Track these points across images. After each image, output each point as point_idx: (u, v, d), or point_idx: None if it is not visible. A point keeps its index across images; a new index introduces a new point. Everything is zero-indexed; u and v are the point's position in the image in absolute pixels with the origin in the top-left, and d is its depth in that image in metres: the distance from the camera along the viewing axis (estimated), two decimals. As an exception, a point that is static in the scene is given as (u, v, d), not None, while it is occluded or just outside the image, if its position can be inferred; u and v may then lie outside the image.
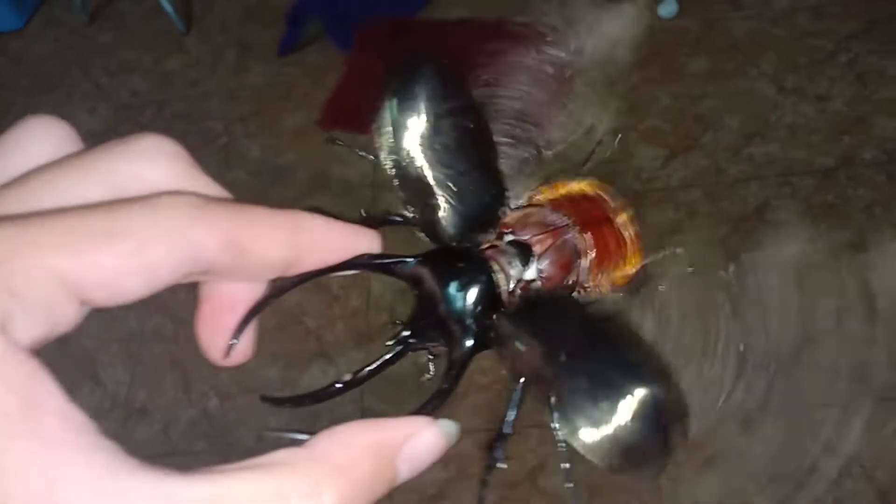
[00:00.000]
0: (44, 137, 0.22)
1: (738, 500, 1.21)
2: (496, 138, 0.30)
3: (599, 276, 0.31)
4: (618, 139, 0.39)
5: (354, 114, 1.85)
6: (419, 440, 0.21)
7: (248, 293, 0.24)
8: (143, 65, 2.08)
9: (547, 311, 0.27)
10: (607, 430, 0.24)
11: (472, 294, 0.26)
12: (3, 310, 0.16)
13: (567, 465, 0.29)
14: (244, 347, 0.24)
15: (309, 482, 0.18)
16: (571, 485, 0.30)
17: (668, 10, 1.79)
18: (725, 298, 0.34)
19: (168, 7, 2.03)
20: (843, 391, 1.33)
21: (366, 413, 1.40)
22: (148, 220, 0.19)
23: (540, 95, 0.33)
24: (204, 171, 0.23)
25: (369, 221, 0.27)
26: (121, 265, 0.18)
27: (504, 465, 0.30)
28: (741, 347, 0.30)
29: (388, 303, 1.51)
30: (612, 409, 0.24)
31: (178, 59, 2.07)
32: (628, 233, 0.33)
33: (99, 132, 1.95)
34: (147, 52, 2.11)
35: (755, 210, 1.48)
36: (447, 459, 1.08)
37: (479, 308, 0.26)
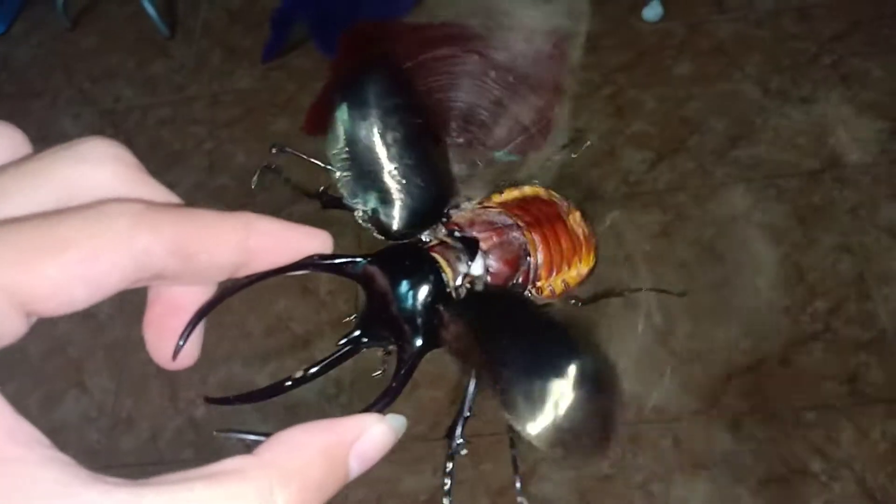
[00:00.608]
0: None
1: (729, 503, 1.21)
2: (448, 141, 0.31)
3: (553, 274, 0.31)
4: (586, 145, 0.39)
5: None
6: (369, 437, 0.22)
7: (195, 296, 0.24)
8: (126, 69, 2.06)
9: (488, 303, 0.28)
10: (548, 411, 0.24)
11: (422, 292, 0.26)
12: None
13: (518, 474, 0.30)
14: (190, 351, 0.24)
15: (260, 489, 0.18)
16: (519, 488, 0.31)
17: (652, 13, 1.79)
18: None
19: (151, 11, 2.01)
20: (831, 394, 1.34)
21: (354, 419, 1.39)
22: (93, 230, 0.19)
23: (486, 99, 0.33)
24: (152, 174, 0.23)
25: (326, 201, 0.28)
26: (68, 276, 0.18)
27: (465, 451, 0.30)
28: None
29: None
30: (550, 390, 0.25)
31: (162, 63, 2.05)
32: (581, 231, 0.34)
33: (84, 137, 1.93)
34: (131, 56, 2.09)
35: (742, 212, 1.48)
36: (436, 466, 1.08)
37: (429, 306, 0.26)
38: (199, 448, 1.42)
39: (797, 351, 1.31)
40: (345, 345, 0.27)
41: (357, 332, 0.27)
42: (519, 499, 0.31)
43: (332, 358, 0.27)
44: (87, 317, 1.59)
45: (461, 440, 0.31)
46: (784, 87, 1.64)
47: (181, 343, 0.24)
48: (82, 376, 1.53)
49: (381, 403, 0.25)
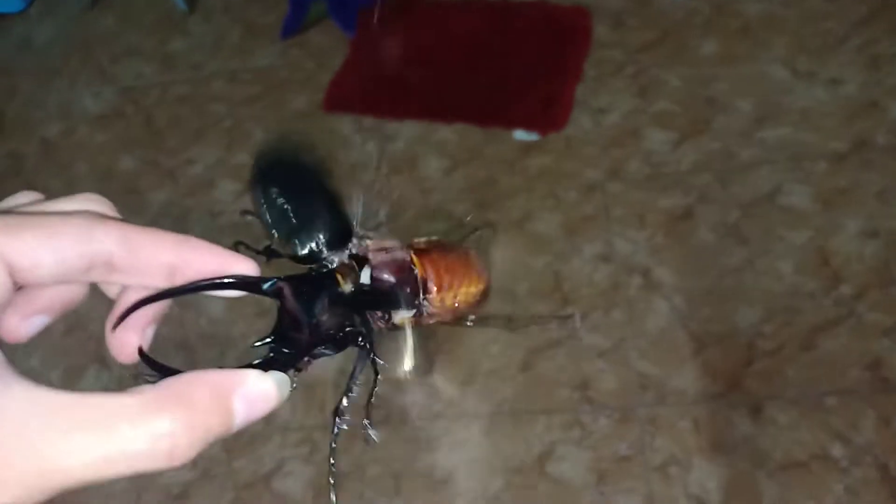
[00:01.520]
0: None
1: (747, 487, 1.20)
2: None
3: (445, 289, 0.39)
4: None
5: (358, 96, 1.84)
6: (253, 384, 0.26)
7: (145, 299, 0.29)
8: (146, 47, 2.06)
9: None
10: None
11: (322, 299, 0.33)
12: None
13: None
14: (132, 344, 0.29)
15: (148, 404, 0.23)
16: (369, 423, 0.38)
17: (678, -9, 1.76)
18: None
19: (171, -12, 2.01)
20: (854, 379, 1.33)
21: (372, 396, 1.39)
22: (61, 219, 0.26)
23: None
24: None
25: (248, 252, 0.33)
26: (39, 243, 0.25)
27: (345, 427, 0.37)
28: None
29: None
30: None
31: (181, 41, 2.04)
32: (475, 265, 0.42)
33: (104, 115, 1.94)
34: (150, 34, 2.09)
35: (766, 195, 1.46)
36: (453, 444, 1.08)
37: (329, 308, 0.33)
38: (218, 424, 1.43)
39: (820, 336, 1.30)
40: (259, 347, 0.31)
41: (269, 339, 0.31)
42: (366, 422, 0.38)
43: (249, 363, 0.30)
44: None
45: (343, 424, 0.37)
46: (811, 68, 1.61)
47: (114, 326, 0.29)
48: (103, 352, 1.54)
49: (267, 364, 0.29)
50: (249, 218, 0.34)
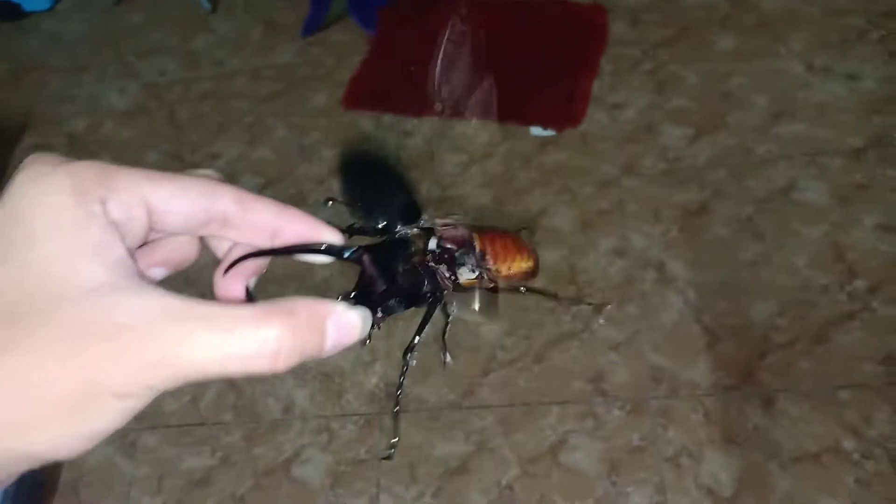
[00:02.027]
0: None
1: (759, 479, 1.21)
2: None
3: (500, 262, 0.46)
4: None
5: (378, 94, 1.86)
6: (342, 312, 0.30)
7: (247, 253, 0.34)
8: (170, 44, 2.10)
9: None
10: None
11: (396, 263, 0.37)
12: (104, 194, 0.27)
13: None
14: (237, 292, 0.34)
15: (259, 313, 0.26)
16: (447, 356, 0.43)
17: (696, -13, 1.77)
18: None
19: (195, -14, 2.04)
20: (867, 373, 1.34)
21: (388, 386, 1.42)
22: (191, 177, 0.30)
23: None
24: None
25: (351, 232, 0.39)
26: (172, 194, 0.29)
27: (414, 363, 0.42)
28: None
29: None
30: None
31: (204, 38, 2.08)
32: (525, 246, 0.49)
33: (129, 111, 1.98)
34: (174, 31, 2.13)
35: (782, 190, 1.46)
36: (469, 433, 1.11)
37: (401, 269, 0.38)
38: (239, 411, 1.46)
39: (834, 329, 1.30)
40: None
41: (351, 295, 0.37)
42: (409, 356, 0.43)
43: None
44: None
45: (412, 361, 0.42)
46: (829, 64, 1.61)
47: (225, 271, 0.34)
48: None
49: (356, 300, 0.35)
50: (330, 203, 0.38)
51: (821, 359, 1.28)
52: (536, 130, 1.66)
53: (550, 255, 1.49)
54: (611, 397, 1.32)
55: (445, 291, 0.41)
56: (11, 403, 0.24)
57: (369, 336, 0.35)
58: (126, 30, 2.18)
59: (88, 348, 0.24)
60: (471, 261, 0.42)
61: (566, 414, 1.33)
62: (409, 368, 0.42)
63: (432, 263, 0.41)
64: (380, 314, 0.35)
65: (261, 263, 0.34)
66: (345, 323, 0.30)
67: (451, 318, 0.43)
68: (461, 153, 1.67)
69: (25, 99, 2.10)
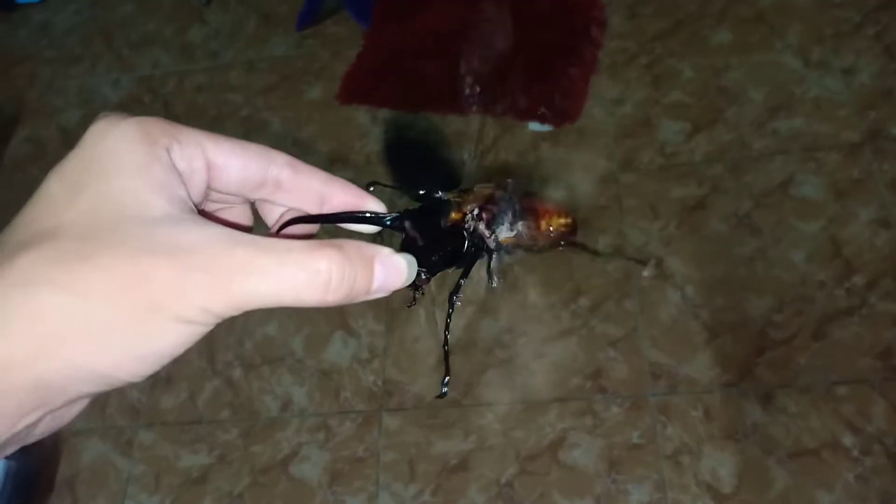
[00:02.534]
0: None
1: (758, 475, 1.22)
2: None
3: (540, 219, 0.48)
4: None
5: (373, 88, 1.85)
6: (390, 256, 0.31)
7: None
8: (164, 36, 2.08)
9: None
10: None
11: (436, 225, 0.40)
12: (168, 142, 0.29)
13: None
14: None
15: (312, 246, 0.28)
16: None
17: (693, -20, 1.76)
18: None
19: (188, -22, 2.02)
20: (865, 369, 1.34)
21: (386, 383, 1.41)
22: (247, 141, 0.32)
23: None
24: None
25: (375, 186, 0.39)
26: (231, 151, 0.31)
27: (459, 304, 0.43)
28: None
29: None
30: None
31: (198, 30, 2.06)
32: (557, 204, 0.51)
33: (123, 103, 1.96)
34: (168, 23, 2.11)
35: (779, 185, 1.46)
36: (468, 430, 1.11)
37: (442, 230, 0.40)
38: (236, 408, 1.46)
39: (831, 325, 1.31)
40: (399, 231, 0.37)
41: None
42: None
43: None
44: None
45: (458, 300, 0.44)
46: (825, 58, 1.61)
47: (276, 231, 0.35)
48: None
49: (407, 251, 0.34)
50: (372, 188, 0.38)
51: (819, 354, 1.29)
52: (534, 125, 1.66)
53: (547, 252, 1.49)
54: (610, 394, 1.33)
55: (486, 249, 0.43)
56: (81, 314, 0.25)
57: (416, 297, 0.37)
58: (118, 21, 2.16)
59: (153, 267, 0.26)
60: (509, 219, 0.44)
61: (565, 411, 1.33)
62: (454, 310, 0.43)
63: (471, 223, 0.42)
64: (424, 276, 0.36)
65: (309, 228, 0.35)
66: (391, 265, 0.31)
67: (494, 276, 0.44)
68: (457, 148, 1.66)
69: (16, 90, 2.07)
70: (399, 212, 0.37)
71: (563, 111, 1.65)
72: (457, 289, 0.43)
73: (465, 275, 0.43)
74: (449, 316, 0.44)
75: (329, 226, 0.35)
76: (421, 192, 0.41)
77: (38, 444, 1.31)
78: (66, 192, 0.28)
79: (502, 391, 1.37)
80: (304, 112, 1.82)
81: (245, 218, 0.36)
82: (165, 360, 0.28)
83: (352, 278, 0.29)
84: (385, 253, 0.31)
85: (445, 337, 0.44)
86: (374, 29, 1.89)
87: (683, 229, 1.46)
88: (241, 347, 1.52)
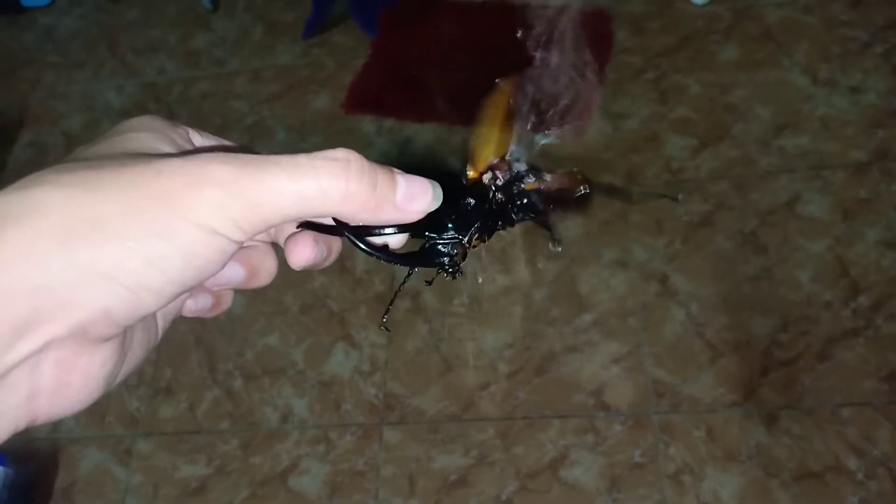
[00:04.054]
0: None
1: (760, 497, 1.21)
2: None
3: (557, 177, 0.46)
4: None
5: (378, 97, 1.85)
6: (414, 176, 0.30)
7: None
8: (169, 42, 2.08)
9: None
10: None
11: (457, 203, 0.37)
12: (191, 131, 0.30)
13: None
14: (305, 255, 0.32)
15: (329, 150, 0.27)
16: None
17: (700, -4, 1.76)
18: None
19: (195, -15, 2.02)
20: (870, 391, 1.33)
21: (388, 397, 1.41)
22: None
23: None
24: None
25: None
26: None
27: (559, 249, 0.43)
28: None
29: (411, 287, 1.51)
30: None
31: (204, 37, 2.06)
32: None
33: (127, 110, 1.96)
34: (173, 29, 2.10)
35: (785, 203, 1.46)
36: (468, 446, 1.10)
37: (466, 207, 0.38)
38: (236, 419, 1.45)
39: (837, 346, 1.30)
40: (425, 241, 0.35)
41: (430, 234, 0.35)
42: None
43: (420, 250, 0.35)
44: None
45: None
46: (833, 76, 1.61)
47: (298, 226, 0.32)
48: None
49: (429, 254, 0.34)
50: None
51: (824, 376, 1.28)
52: (539, 138, 1.65)
53: (551, 266, 1.48)
54: (612, 411, 1.32)
55: (516, 205, 0.42)
56: (85, 206, 0.23)
57: (457, 268, 0.35)
58: (123, 27, 2.16)
59: (165, 164, 0.25)
60: (525, 174, 0.43)
61: (567, 428, 1.32)
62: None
63: (489, 181, 0.41)
64: (460, 244, 0.35)
65: (327, 239, 0.33)
66: (414, 178, 0.29)
67: (552, 234, 0.44)
68: (462, 159, 1.65)
69: (20, 94, 2.07)
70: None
71: (570, 125, 1.64)
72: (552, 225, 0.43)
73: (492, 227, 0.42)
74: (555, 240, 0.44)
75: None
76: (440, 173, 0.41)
77: (36, 453, 1.29)
78: (83, 149, 0.27)
79: (503, 406, 1.36)
80: (309, 121, 1.82)
81: (268, 259, 0.34)
82: (179, 276, 0.25)
83: (372, 173, 0.27)
84: (411, 177, 0.30)
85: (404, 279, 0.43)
86: (381, 38, 1.89)
87: (688, 246, 1.45)
88: (241, 357, 1.51)
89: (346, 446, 1.38)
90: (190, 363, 1.52)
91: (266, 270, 0.34)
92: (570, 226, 1.52)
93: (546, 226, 0.44)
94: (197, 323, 1.55)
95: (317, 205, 0.26)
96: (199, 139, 0.30)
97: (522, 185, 0.42)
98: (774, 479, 1.21)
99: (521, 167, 0.43)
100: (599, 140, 1.61)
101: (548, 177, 0.44)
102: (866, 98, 1.57)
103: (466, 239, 0.35)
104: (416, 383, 1.40)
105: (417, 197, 0.29)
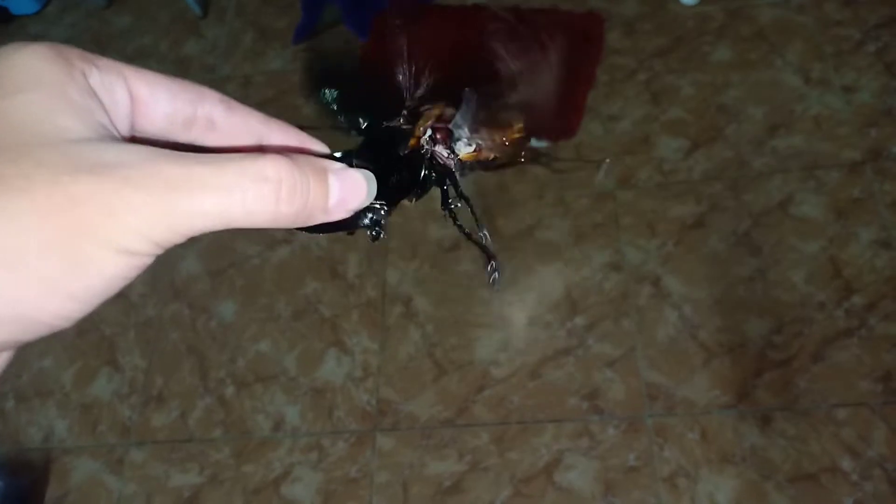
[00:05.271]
0: None
1: (756, 499, 1.20)
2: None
3: (495, 132, 0.44)
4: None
5: (370, 102, 1.83)
6: (345, 169, 0.28)
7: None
8: (160, 50, 2.07)
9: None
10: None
11: (388, 153, 0.37)
12: (86, 67, 0.26)
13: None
14: None
15: (255, 155, 0.25)
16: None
17: (691, -4, 1.76)
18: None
19: (185, -9, 2.01)
20: (865, 392, 1.32)
21: (380, 403, 1.40)
22: (173, 77, 0.29)
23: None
24: None
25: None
26: (158, 81, 0.28)
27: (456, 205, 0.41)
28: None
29: (404, 292, 1.51)
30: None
31: (195, 43, 2.05)
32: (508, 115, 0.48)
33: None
34: (164, 36, 2.10)
35: (779, 204, 1.45)
36: (462, 451, 1.08)
37: (399, 159, 0.37)
38: (228, 427, 1.44)
39: (831, 347, 1.29)
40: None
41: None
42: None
43: None
44: (120, 296, 1.60)
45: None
46: (826, 76, 1.60)
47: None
48: (115, 354, 1.56)
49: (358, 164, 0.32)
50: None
51: (818, 377, 1.27)
52: (531, 141, 1.65)
53: (543, 270, 1.47)
54: (606, 415, 1.31)
55: (446, 172, 0.40)
56: (23, 250, 0.22)
57: (381, 230, 0.34)
58: (114, 34, 2.15)
59: (77, 187, 0.22)
60: (466, 134, 0.41)
61: (561, 432, 1.31)
62: (456, 212, 0.41)
63: (427, 146, 0.39)
64: (383, 211, 0.34)
65: None
66: (348, 178, 0.28)
67: (468, 199, 0.41)
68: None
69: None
70: (346, 151, 0.34)
71: (560, 127, 1.64)
72: (445, 197, 0.41)
73: (460, 197, 0.42)
74: (455, 219, 0.42)
75: None
76: (364, 124, 0.38)
77: (28, 464, 1.27)
78: None
79: (497, 411, 1.35)
80: (301, 126, 1.81)
81: None
82: (98, 299, 0.24)
83: (305, 188, 0.26)
84: (338, 167, 0.28)
85: (463, 230, 0.42)
86: (372, 42, 1.89)
87: (681, 248, 1.44)
88: (233, 365, 1.50)
89: (338, 453, 1.37)
90: (181, 371, 1.51)
91: None
92: (559, 230, 1.51)
93: (488, 256, 0.42)
94: (189, 330, 1.54)
95: (243, 223, 0.25)
96: (104, 83, 0.27)
97: (459, 154, 0.41)
98: (769, 481, 1.20)
99: (462, 133, 0.41)
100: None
101: (488, 144, 0.43)
102: (859, 97, 1.56)
103: (386, 206, 0.34)
104: (409, 389, 1.39)
105: (351, 200, 0.28)
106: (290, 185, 0.25)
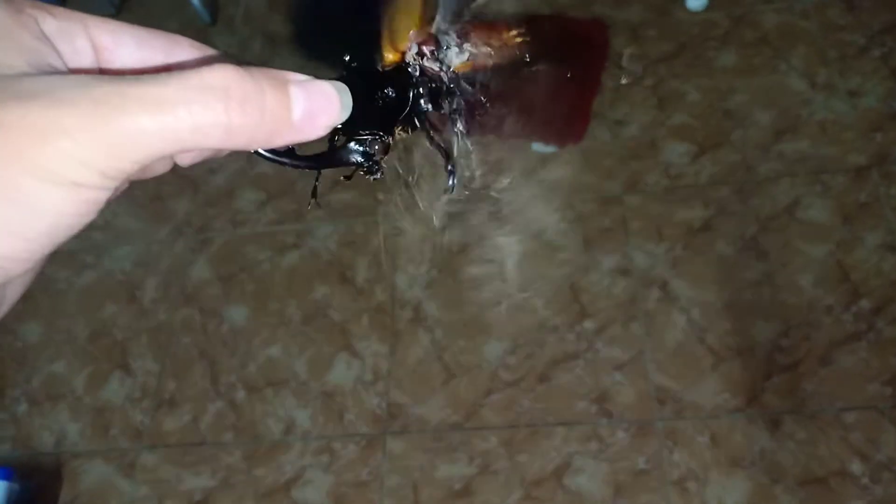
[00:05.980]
0: None
1: (765, 502, 1.20)
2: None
3: (489, 38, 0.40)
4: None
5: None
6: (313, 80, 0.25)
7: None
8: (169, 56, 2.09)
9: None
10: None
11: (377, 80, 0.34)
12: (39, 14, 0.25)
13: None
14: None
15: (201, 67, 0.23)
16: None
17: (696, 3, 1.77)
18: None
19: (194, -2, 2.03)
20: (873, 395, 1.33)
21: (391, 406, 1.41)
22: (140, 26, 0.29)
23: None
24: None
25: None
26: (121, 28, 0.28)
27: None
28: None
29: (413, 297, 1.52)
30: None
31: (204, 50, 2.07)
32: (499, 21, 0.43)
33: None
34: (173, 43, 2.11)
35: (785, 208, 1.46)
36: (472, 455, 1.10)
37: (386, 79, 0.34)
38: (239, 431, 1.45)
39: (839, 350, 1.30)
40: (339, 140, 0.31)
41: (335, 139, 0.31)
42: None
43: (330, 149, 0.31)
44: (132, 301, 1.62)
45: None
46: (831, 80, 1.61)
47: None
48: (127, 358, 1.57)
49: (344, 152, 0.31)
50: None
51: (826, 380, 1.28)
52: (538, 146, 1.66)
53: (551, 274, 1.48)
54: (616, 418, 1.31)
55: (443, 82, 0.35)
56: None
57: (378, 167, 0.31)
58: (124, 41, 2.17)
59: (11, 126, 0.20)
60: (455, 42, 0.36)
61: (570, 435, 1.32)
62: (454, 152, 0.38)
63: (415, 61, 0.34)
64: (379, 143, 0.31)
65: None
66: (314, 88, 0.25)
67: (460, 122, 0.37)
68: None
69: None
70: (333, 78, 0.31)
71: (567, 131, 1.65)
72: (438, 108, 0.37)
73: (442, 150, 0.37)
74: (449, 158, 0.38)
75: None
76: (349, 62, 0.33)
77: (40, 467, 1.28)
78: None
79: (507, 414, 1.35)
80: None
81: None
82: (49, 239, 0.22)
83: (259, 96, 0.23)
84: (302, 77, 0.25)
85: (444, 150, 0.38)
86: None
87: (689, 252, 1.45)
88: (244, 370, 1.51)
89: (349, 456, 1.38)
90: (193, 375, 1.52)
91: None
92: (566, 234, 1.52)
93: (446, 158, 0.39)
94: (200, 335, 1.55)
95: (195, 141, 0.22)
96: (61, 31, 0.26)
97: (451, 65, 0.36)
98: (779, 485, 1.21)
99: (450, 41, 0.36)
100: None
101: (483, 50, 0.38)
102: (865, 102, 1.57)
103: (381, 136, 0.31)
104: (419, 392, 1.40)
105: (320, 113, 0.25)
106: (241, 93, 0.23)
